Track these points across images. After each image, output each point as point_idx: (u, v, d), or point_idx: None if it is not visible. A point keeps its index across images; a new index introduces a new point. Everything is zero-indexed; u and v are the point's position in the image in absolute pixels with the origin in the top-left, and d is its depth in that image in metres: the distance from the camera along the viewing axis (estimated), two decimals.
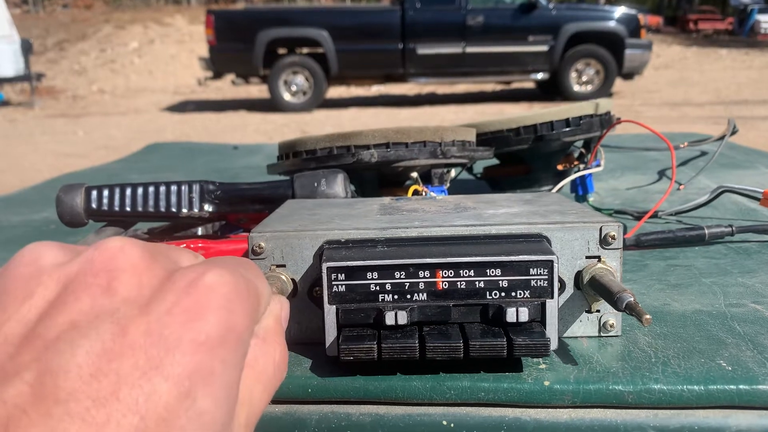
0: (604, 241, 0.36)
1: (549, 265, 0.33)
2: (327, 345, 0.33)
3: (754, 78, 8.98)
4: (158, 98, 9.91)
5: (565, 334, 0.37)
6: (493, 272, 0.33)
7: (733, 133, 0.87)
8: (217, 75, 8.09)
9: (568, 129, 0.67)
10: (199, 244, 0.50)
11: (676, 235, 0.56)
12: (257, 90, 9.63)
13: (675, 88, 8.29)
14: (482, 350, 0.31)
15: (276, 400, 0.33)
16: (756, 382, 0.31)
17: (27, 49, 9.54)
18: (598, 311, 0.37)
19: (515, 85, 8.46)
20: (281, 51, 7.57)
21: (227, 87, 10.08)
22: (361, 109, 7.71)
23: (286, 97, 7.64)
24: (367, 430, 0.32)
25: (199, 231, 0.61)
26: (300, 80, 7.58)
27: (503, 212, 0.40)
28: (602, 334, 0.37)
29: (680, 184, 0.79)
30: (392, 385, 0.32)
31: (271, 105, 7.75)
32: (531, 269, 0.33)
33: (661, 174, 0.89)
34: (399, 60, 7.16)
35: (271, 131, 5.96)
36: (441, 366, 0.33)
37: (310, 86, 7.57)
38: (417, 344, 0.31)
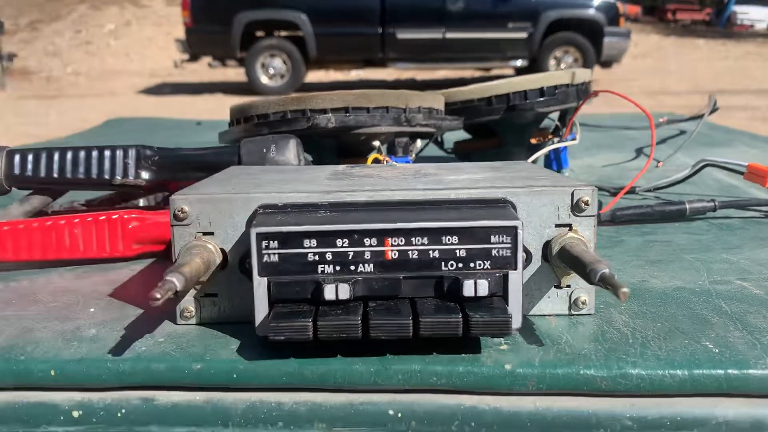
0: (576, 207, 0.31)
1: (512, 231, 0.29)
2: (257, 323, 0.29)
3: (730, 68, 9.04)
4: (134, 81, 9.73)
5: (531, 312, 0.33)
6: (449, 240, 0.29)
7: (714, 110, 0.84)
8: (194, 57, 7.96)
9: (542, 99, 0.63)
10: (133, 215, 0.45)
11: (654, 209, 0.52)
12: (234, 73, 9.49)
13: (653, 76, 8.31)
14: (435, 328, 0.27)
15: (196, 387, 0.28)
16: (746, 366, 0.27)
17: None
18: (568, 286, 0.33)
19: (495, 72, 8.42)
20: (259, 33, 7.45)
21: (204, 69, 9.92)
22: None
23: (264, 80, 7.52)
24: (302, 421, 0.28)
25: (141, 203, 0.56)
26: (278, 63, 7.47)
27: (465, 178, 0.36)
28: (573, 312, 0.33)
29: (658, 161, 0.75)
30: (331, 369, 0.28)
31: (249, 88, 7.63)
32: (492, 236, 0.29)
33: (639, 152, 0.85)
34: (378, 44, 7.08)
35: None
36: (388, 347, 0.29)
37: (288, 70, 7.46)
38: (359, 321, 0.27)
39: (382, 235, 0.29)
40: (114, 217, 0.45)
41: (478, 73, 8.74)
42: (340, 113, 0.52)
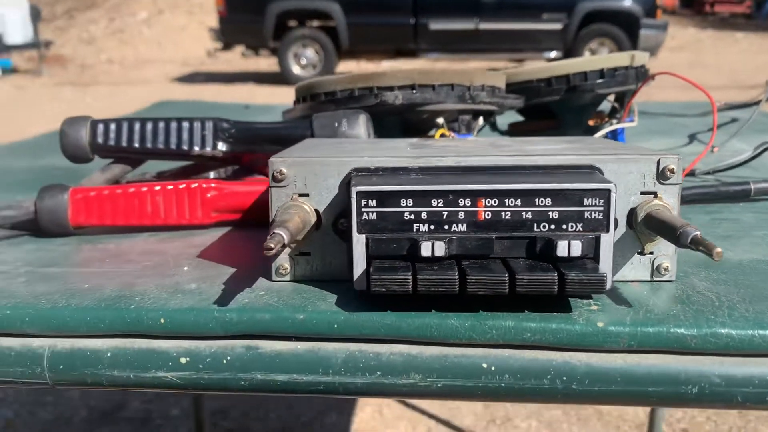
0: (661, 175, 0.32)
1: (606, 195, 0.29)
2: (355, 278, 0.30)
3: None
4: (167, 69, 9.85)
5: (615, 278, 0.33)
6: (542, 202, 0.30)
7: None
8: (227, 46, 8.03)
9: (602, 80, 0.63)
10: (212, 184, 0.47)
11: (719, 189, 0.52)
12: (266, 63, 9.55)
13: (689, 70, 8.17)
14: (530, 285, 0.28)
15: (299, 337, 0.30)
16: None
17: (35, 16, 9.47)
18: (651, 253, 0.33)
19: (502, 71, 8.36)
20: (292, 23, 7.49)
21: (236, 59, 9.99)
22: None
23: (296, 70, 7.57)
24: (398, 371, 0.29)
25: (211, 175, 0.57)
26: (310, 53, 7.50)
27: (547, 147, 0.37)
28: (655, 279, 0.33)
29: (714, 147, 0.75)
30: (427, 322, 0.29)
31: (280, 78, 7.68)
32: (585, 199, 0.30)
33: (692, 138, 0.85)
34: (411, 35, 7.07)
35: (279, 104, 5.90)
36: (481, 304, 0.30)
37: (320, 60, 7.49)
38: (457, 277, 0.28)
39: (475, 196, 0.30)
40: (194, 186, 0.46)
41: (510, 65, 8.68)
42: (407, 90, 0.53)
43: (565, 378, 0.28)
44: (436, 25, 6.97)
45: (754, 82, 6.78)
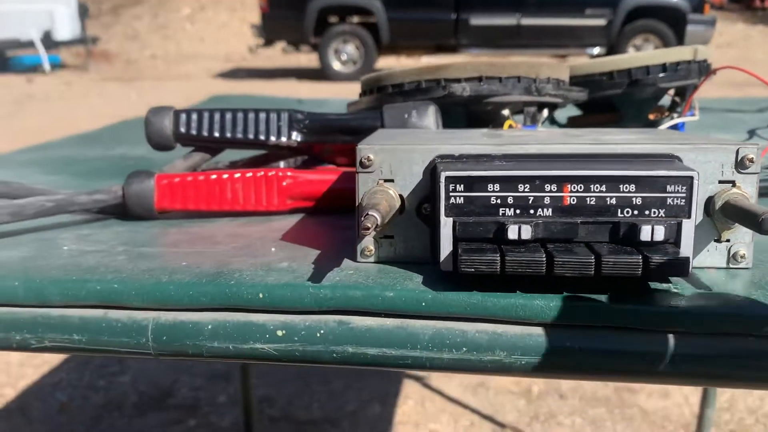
0: (740, 165, 0.33)
1: (688, 182, 0.30)
2: (442, 259, 0.32)
3: None
4: (209, 65, 10.00)
5: (693, 264, 0.34)
6: (626, 188, 0.31)
7: None
8: (268, 42, 8.12)
9: (664, 74, 0.64)
10: (288, 173, 0.49)
11: None
12: (307, 59, 9.62)
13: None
14: (616, 267, 0.29)
15: (388, 313, 0.31)
16: None
17: (83, 12, 9.71)
18: (728, 240, 0.34)
19: (570, 60, 8.27)
20: (332, 19, 7.54)
21: (278, 55, 10.10)
22: None
23: (336, 66, 7.62)
24: (484, 349, 0.30)
25: (281, 165, 0.60)
26: (350, 49, 7.54)
27: (622, 137, 0.38)
28: (731, 266, 0.34)
29: None
30: (512, 302, 0.30)
31: (321, 74, 7.74)
32: (668, 186, 0.31)
33: (751, 133, 0.85)
34: (451, 30, 7.06)
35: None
36: (565, 286, 0.31)
37: (361, 56, 7.53)
38: (544, 259, 0.29)
39: (561, 182, 0.31)
40: (270, 174, 0.49)
41: (553, 61, 8.59)
42: (474, 82, 0.54)
43: (647, 358, 0.29)
44: (477, 21, 6.94)
45: None
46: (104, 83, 8.34)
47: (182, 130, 0.51)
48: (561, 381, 1.79)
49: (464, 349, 0.31)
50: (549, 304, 0.30)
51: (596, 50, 6.96)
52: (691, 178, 0.30)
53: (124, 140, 0.85)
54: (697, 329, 0.29)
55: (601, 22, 6.79)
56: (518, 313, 0.30)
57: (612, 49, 6.84)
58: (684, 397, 1.72)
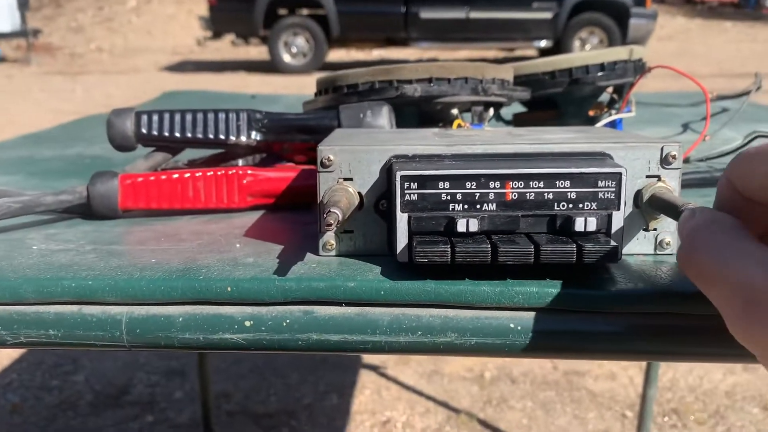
0: (664, 161, 0.37)
1: (617, 177, 0.34)
2: (398, 251, 0.35)
3: (758, 52, 8.94)
4: (157, 58, 9.82)
5: (623, 251, 0.38)
6: (562, 184, 0.34)
7: (758, 88, 0.88)
8: (217, 35, 8.02)
9: (602, 73, 0.68)
10: (248, 171, 0.51)
11: (712, 175, 0.57)
12: (257, 51, 9.54)
13: (678, 60, 8.24)
14: (553, 255, 0.32)
15: (349, 302, 0.34)
16: None
17: (23, 4, 9.40)
18: (654, 230, 0.38)
19: (518, 53, 8.41)
20: (282, 12, 7.49)
21: (226, 48, 9.97)
22: None
23: (286, 58, 7.58)
24: (437, 331, 0.33)
25: (240, 163, 0.61)
26: (300, 42, 7.52)
27: (560, 136, 0.41)
28: (658, 252, 0.38)
29: (706, 136, 0.79)
30: (462, 289, 0.33)
31: (271, 66, 7.69)
32: (599, 181, 0.34)
33: (685, 127, 0.90)
34: (401, 23, 7.10)
35: (271, 93, 5.91)
36: (509, 273, 0.34)
37: (311, 48, 7.51)
38: (489, 249, 0.32)
39: (504, 179, 0.34)
40: (231, 172, 0.51)
41: (501, 54, 8.71)
42: (425, 83, 0.57)
43: (582, 337, 0.33)
44: (426, 14, 7.00)
45: (742, 71, 6.86)
46: (48, 77, 8.11)
47: (143, 131, 0.52)
48: (512, 366, 1.85)
49: (419, 332, 0.33)
50: (494, 289, 0.33)
51: (543, 43, 7.10)
52: (620, 174, 0.34)
53: (80, 139, 0.85)
54: (626, 309, 0.33)
55: (547, 15, 6.93)
56: (467, 298, 0.33)
57: (558, 42, 6.99)
58: (629, 378, 1.80)
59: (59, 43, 10.90)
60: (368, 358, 1.90)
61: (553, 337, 0.33)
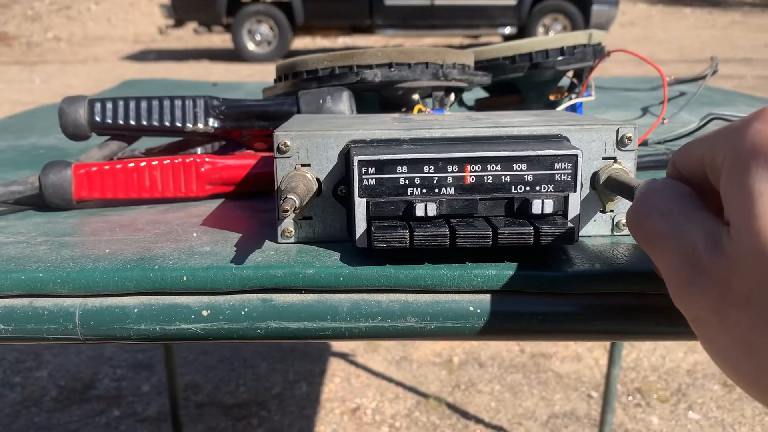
0: (620, 143, 0.37)
1: (573, 159, 0.34)
2: (357, 237, 0.34)
3: (717, 37, 9.11)
4: (117, 47, 9.62)
5: (580, 233, 0.38)
6: (519, 167, 0.34)
7: (715, 72, 0.89)
8: (179, 23, 7.88)
9: (562, 57, 0.68)
10: (206, 159, 0.50)
11: (668, 157, 0.58)
12: (220, 39, 9.41)
13: (640, 45, 8.36)
14: (510, 238, 0.32)
15: (308, 289, 0.34)
16: None
17: None
18: (611, 211, 0.38)
19: (483, 39, 8.43)
20: None
21: (189, 36, 9.82)
22: None
23: (250, 47, 7.49)
24: (397, 316, 0.33)
25: (199, 151, 0.60)
26: (264, 30, 7.43)
27: (518, 120, 0.41)
28: (615, 233, 0.38)
29: (664, 119, 0.81)
30: (421, 273, 0.33)
31: (235, 55, 7.59)
32: (556, 164, 0.34)
33: (644, 110, 0.91)
34: (366, 11, 7.06)
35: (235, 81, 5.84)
36: (468, 256, 0.34)
37: (275, 36, 7.43)
38: (447, 233, 0.32)
39: (462, 163, 0.34)
40: (188, 160, 0.50)
41: (466, 41, 8.73)
42: (385, 68, 0.57)
43: (540, 317, 0.33)
44: (391, 1, 6.97)
45: (701, 56, 6.99)
46: (4, 67, 7.89)
47: (97, 119, 0.51)
48: (480, 351, 1.86)
49: (379, 318, 0.33)
50: (453, 273, 0.33)
51: (507, 30, 7.14)
52: (576, 156, 0.34)
53: (35, 129, 0.83)
54: (584, 290, 0.33)
55: (511, 2, 6.96)
56: (426, 282, 0.33)
57: (523, 29, 7.03)
58: (594, 359, 1.83)
59: (15, 32, 10.60)
60: (337, 346, 1.90)
61: (512, 319, 0.33)
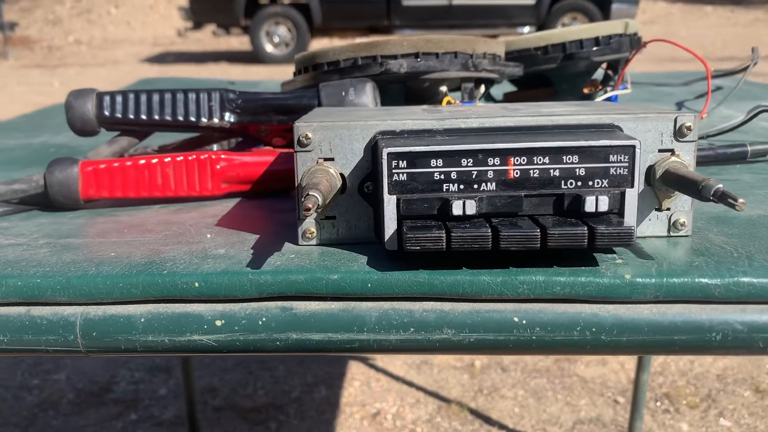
0: (679, 133, 0.33)
1: (630, 151, 0.30)
2: (386, 238, 0.31)
3: (739, 35, 8.96)
4: (137, 49, 9.68)
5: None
6: (569, 159, 0.30)
7: (755, 63, 0.85)
8: (197, 25, 7.92)
9: (597, 48, 0.64)
10: (222, 155, 0.47)
11: (717, 152, 0.54)
12: (238, 41, 9.43)
13: (660, 44, 8.23)
14: (561, 240, 0.29)
15: (333, 297, 0.30)
16: None
17: None
18: (668, 209, 0.34)
19: (501, 39, 8.37)
20: (263, 1, 7.39)
21: (207, 38, 9.86)
22: None
23: (268, 48, 7.49)
24: (432, 327, 0.30)
25: (215, 147, 0.57)
26: (282, 31, 7.43)
27: (562, 109, 0.37)
28: (672, 234, 0.34)
29: (701, 114, 0.76)
30: (459, 279, 0.30)
31: (253, 57, 7.60)
32: (611, 156, 0.30)
33: (680, 105, 0.87)
34: (384, 11, 7.03)
35: None
36: (511, 260, 0.31)
37: (293, 38, 7.42)
38: (490, 234, 0.29)
39: (505, 155, 0.30)
40: (203, 157, 0.46)
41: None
42: (411, 58, 0.53)
43: (594, 329, 0.29)
44: (409, 2, 6.93)
45: (724, 54, 6.87)
46: (25, 71, 7.97)
47: (106, 113, 0.48)
48: (503, 355, 1.82)
49: (412, 329, 0.30)
50: (496, 279, 0.30)
51: (526, 29, 7.07)
52: (633, 147, 0.30)
53: (46, 128, 0.80)
54: (641, 298, 0.29)
55: (530, 1, 6.89)
56: (465, 289, 0.30)
57: (541, 28, 6.95)
58: (620, 363, 1.78)
59: (37, 36, 10.71)
60: None
61: (562, 332, 0.29)
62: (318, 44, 8.67)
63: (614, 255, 0.32)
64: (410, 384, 1.71)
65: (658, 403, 1.62)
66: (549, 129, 0.32)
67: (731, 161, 0.54)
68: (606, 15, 6.92)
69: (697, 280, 0.29)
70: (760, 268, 0.30)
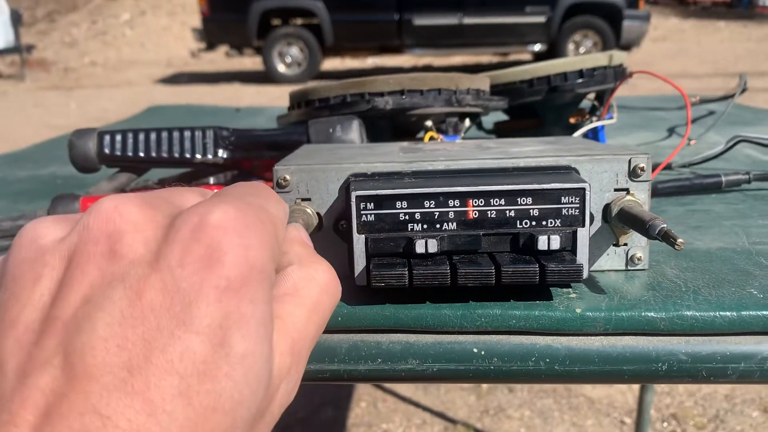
0: (633, 174, 0.35)
1: (581, 193, 0.33)
2: (356, 274, 0.33)
3: (752, 50, 8.95)
4: (151, 71, 9.82)
5: (592, 268, 0.37)
6: (524, 201, 0.33)
7: (743, 90, 0.87)
8: (211, 46, 8.02)
9: (581, 80, 0.67)
10: (215, 191, 0.49)
11: (692, 182, 0.56)
12: (251, 62, 9.54)
13: (672, 60, 8.25)
14: (514, 276, 0.31)
15: None
16: None
17: (16, 20, 9.40)
18: (625, 245, 0.36)
19: (512, 57, 8.41)
20: (275, 22, 7.49)
21: (221, 59, 9.99)
22: None
23: (281, 68, 7.58)
24: (398, 358, 0.32)
25: (211, 181, 0.60)
26: (294, 51, 7.51)
27: (528, 149, 0.40)
28: (629, 268, 0.37)
29: (691, 140, 0.78)
30: (422, 313, 0.32)
31: (266, 77, 7.69)
32: (562, 197, 0.33)
33: (670, 131, 0.89)
34: (395, 31, 7.10)
35: (266, 104, 5.91)
36: (471, 294, 0.33)
37: (305, 58, 7.51)
38: (448, 271, 0.31)
39: (464, 197, 0.33)
40: None
41: (495, 59, 8.71)
42: (396, 96, 0.56)
43: (548, 360, 0.31)
44: (420, 21, 7.00)
45: (736, 69, 6.86)
46: (42, 92, 8.11)
47: (107, 151, 0.51)
48: None
49: (379, 360, 0.32)
50: (456, 312, 0.32)
51: (537, 47, 7.11)
52: (583, 189, 0.33)
53: (55, 158, 0.84)
54: (591, 330, 0.31)
55: (540, 19, 6.94)
56: (428, 322, 0.32)
57: (553, 46, 6.99)
58: (627, 384, 1.78)
59: (53, 58, 10.91)
60: None
61: (519, 362, 0.32)
62: (330, 64, 8.76)
63: (569, 289, 0.34)
64: (417, 405, 1.72)
65: (665, 424, 1.62)
66: (509, 171, 0.35)
67: (707, 191, 0.56)
68: (617, 32, 6.94)
69: (643, 313, 0.31)
70: (703, 302, 0.32)
